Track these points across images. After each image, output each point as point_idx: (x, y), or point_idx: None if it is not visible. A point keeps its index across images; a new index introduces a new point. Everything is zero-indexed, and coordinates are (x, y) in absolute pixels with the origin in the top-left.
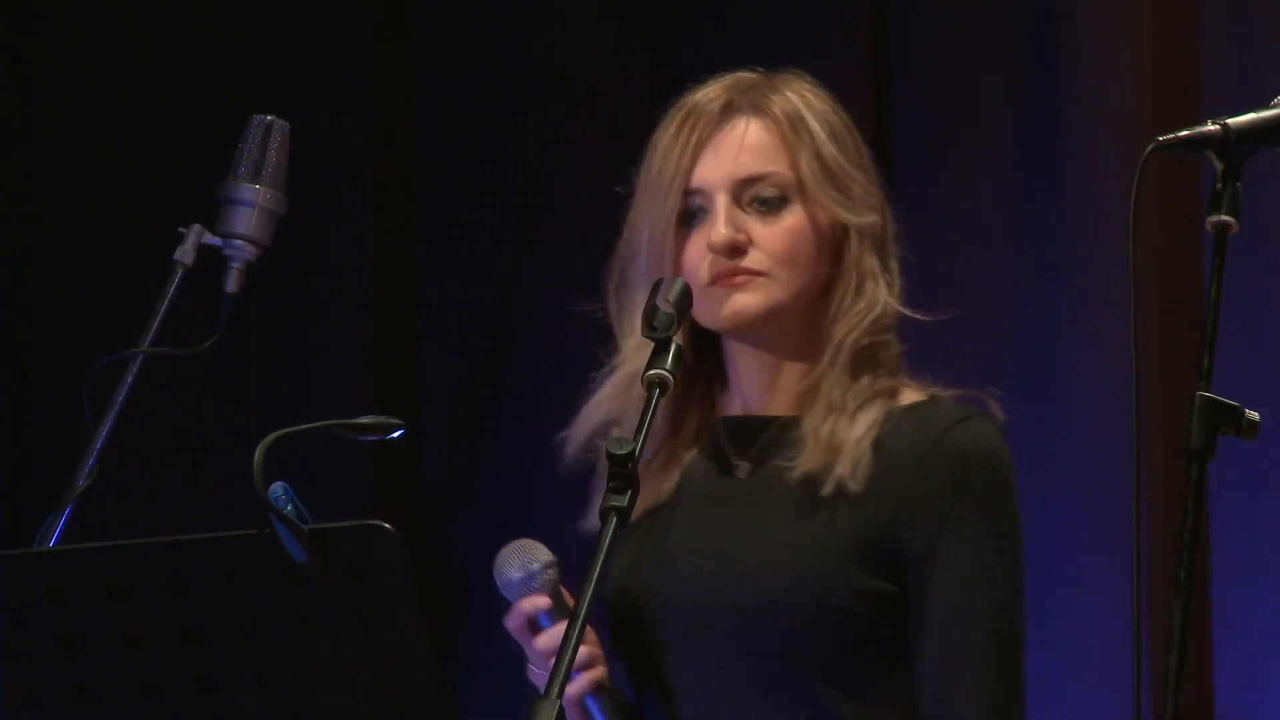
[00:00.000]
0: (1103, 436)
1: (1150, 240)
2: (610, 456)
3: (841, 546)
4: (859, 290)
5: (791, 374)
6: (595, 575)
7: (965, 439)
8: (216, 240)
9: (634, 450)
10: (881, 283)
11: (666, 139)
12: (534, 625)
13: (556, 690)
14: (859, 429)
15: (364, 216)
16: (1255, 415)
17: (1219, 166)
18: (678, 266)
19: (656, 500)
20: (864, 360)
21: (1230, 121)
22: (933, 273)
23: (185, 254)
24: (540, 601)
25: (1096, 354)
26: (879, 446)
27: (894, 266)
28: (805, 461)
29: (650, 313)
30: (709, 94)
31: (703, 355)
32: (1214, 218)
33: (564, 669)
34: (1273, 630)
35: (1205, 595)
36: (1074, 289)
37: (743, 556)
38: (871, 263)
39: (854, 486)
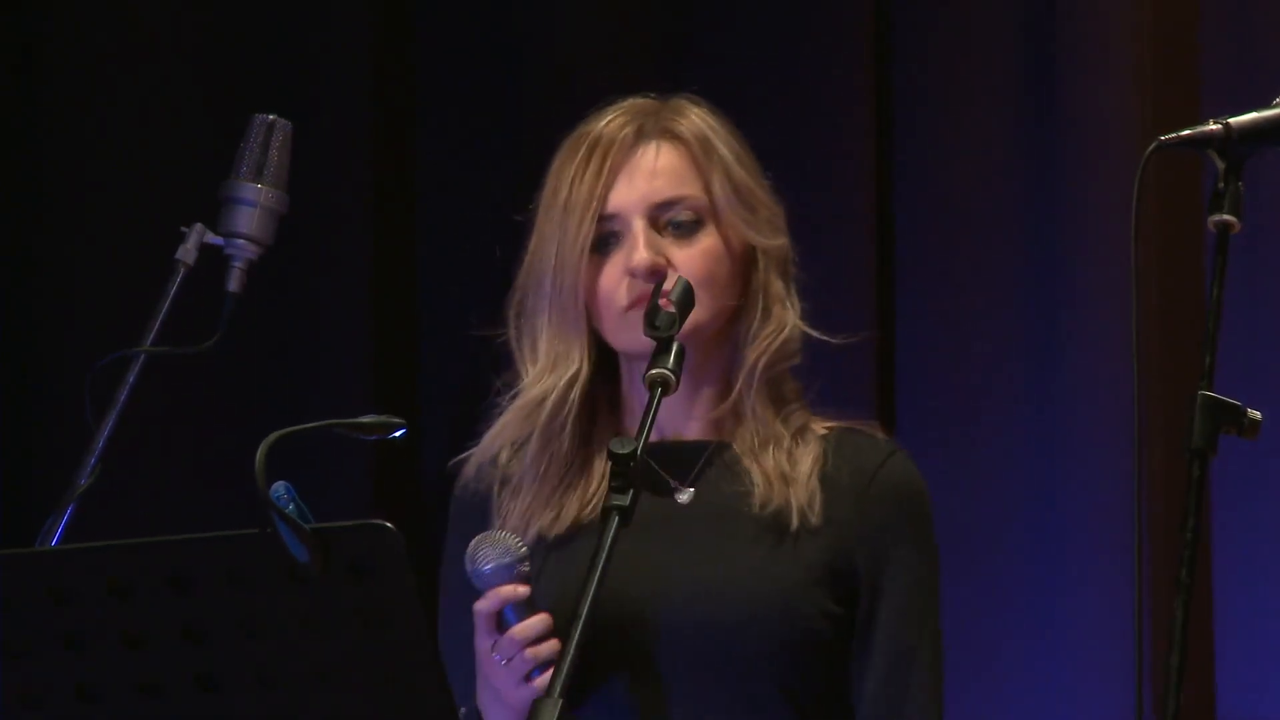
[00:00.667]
0: (1103, 436)
1: (1151, 240)
2: (612, 455)
3: (809, 572)
4: (767, 313)
5: (707, 399)
6: (597, 574)
7: (898, 474)
8: (218, 239)
9: (635, 449)
10: (788, 305)
11: (574, 167)
12: (500, 618)
13: (559, 690)
14: (805, 463)
15: (364, 216)
16: (1257, 414)
17: (1221, 166)
18: (591, 292)
19: (578, 521)
20: (778, 389)
21: (1232, 121)
22: (933, 273)
23: (187, 253)
24: (521, 590)
25: (1096, 354)
26: (823, 478)
27: (794, 290)
28: (761, 493)
29: (652, 312)
30: (614, 121)
31: (602, 379)
32: (1216, 217)
33: (565, 668)
34: (1274, 629)
35: (1206, 594)
36: (1074, 289)
37: (713, 576)
38: (778, 286)
39: (813, 519)
